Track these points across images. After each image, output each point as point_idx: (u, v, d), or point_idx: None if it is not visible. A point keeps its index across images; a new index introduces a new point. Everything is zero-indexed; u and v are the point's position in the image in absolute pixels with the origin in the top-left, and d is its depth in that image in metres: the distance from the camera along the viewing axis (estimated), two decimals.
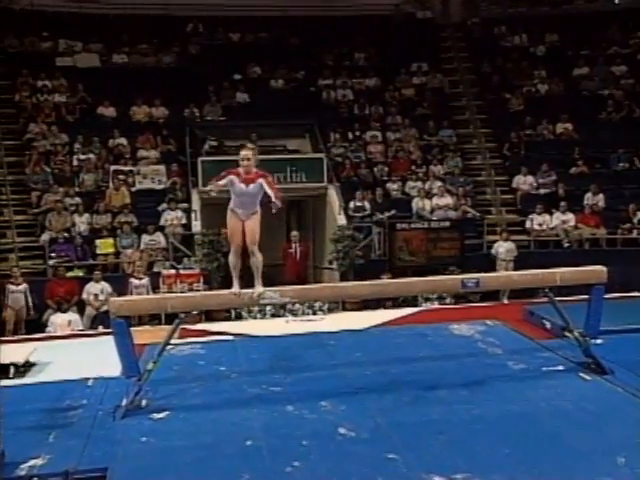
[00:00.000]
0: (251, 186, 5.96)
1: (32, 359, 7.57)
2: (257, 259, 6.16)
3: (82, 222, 12.59)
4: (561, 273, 6.34)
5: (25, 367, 7.38)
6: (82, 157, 13.94)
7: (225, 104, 15.64)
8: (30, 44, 16.24)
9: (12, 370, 7.14)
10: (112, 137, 14.49)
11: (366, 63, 17.16)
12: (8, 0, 16.49)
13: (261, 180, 6.00)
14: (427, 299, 11.55)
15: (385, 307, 10.41)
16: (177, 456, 5.05)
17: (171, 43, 16.86)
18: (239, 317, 10.31)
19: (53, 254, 11.94)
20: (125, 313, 5.90)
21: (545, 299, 6.86)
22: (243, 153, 5.99)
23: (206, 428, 5.51)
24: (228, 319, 10.35)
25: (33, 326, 10.38)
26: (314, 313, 10.18)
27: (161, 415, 5.79)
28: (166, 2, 17.24)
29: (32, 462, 5.06)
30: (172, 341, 6.77)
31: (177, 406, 5.96)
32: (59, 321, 10.25)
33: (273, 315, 10.19)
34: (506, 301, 10.76)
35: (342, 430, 5.36)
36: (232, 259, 6.20)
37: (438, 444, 5.11)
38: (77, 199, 12.99)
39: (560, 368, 6.56)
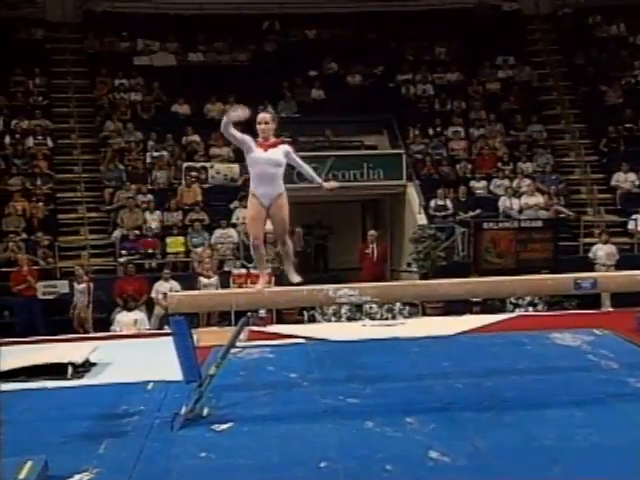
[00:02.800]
0: (271, 151, 5.10)
1: (92, 359, 7.05)
2: (289, 247, 5.30)
3: (153, 219, 12.28)
4: None
5: (84, 367, 6.86)
6: (155, 154, 13.69)
7: (300, 100, 15.16)
8: (109, 44, 16.21)
9: (70, 370, 6.61)
10: (185, 134, 14.17)
11: (447, 57, 16.33)
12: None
13: (285, 147, 5.18)
14: (516, 305, 10.45)
15: (472, 312, 9.38)
16: (239, 477, 4.28)
17: (247, 41, 16.48)
18: (312, 320, 9.54)
19: (124, 251, 11.68)
20: (185, 309, 5.20)
21: None
22: (261, 116, 5.15)
23: (274, 444, 4.74)
24: (300, 322, 9.60)
25: (98, 324, 9.94)
26: (393, 317, 9.29)
27: (224, 427, 5.05)
28: (242, 1, 16.88)
29: (78, 477, 4.40)
30: (239, 344, 6.09)
31: (242, 417, 5.22)
32: (125, 320, 9.84)
33: (349, 318, 9.37)
34: (610, 308, 9.54)
35: (433, 454, 4.45)
36: (256, 254, 5.25)
37: (553, 477, 4.12)
38: (149, 196, 12.71)
39: None
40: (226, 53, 16.28)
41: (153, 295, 10.58)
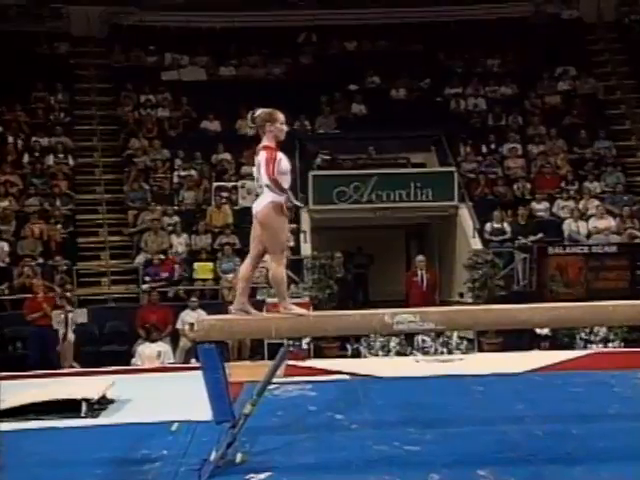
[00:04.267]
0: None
1: (110, 395, 6.70)
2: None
3: (180, 243, 12.09)
4: None
5: (101, 404, 6.51)
6: (183, 173, 13.59)
7: (339, 116, 15.01)
8: (136, 59, 16.30)
9: (84, 407, 6.21)
10: (216, 152, 13.99)
11: (501, 69, 16.05)
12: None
13: None
14: (588, 341, 9.79)
15: (540, 348, 8.76)
16: None
17: (282, 54, 16.45)
18: (357, 354, 9.03)
19: (147, 277, 11.47)
20: (216, 336, 4.76)
21: None
22: (283, 116, 4.75)
23: None
24: (342, 357, 9.09)
25: (115, 357, 9.60)
26: (449, 352, 8.73)
27: (260, 477, 4.57)
28: (277, 13, 16.82)
29: None
30: (275, 380, 5.58)
31: (281, 465, 4.72)
32: (147, 352, 9.54)
33: (398, 353, 8.84)
34: None
35: None
36: (283, 273, 4.83)
37: None
38: (175, 218, 12.56)
39: None
40: (260, 67, 16.23)
41: (179, 326, 10.30)
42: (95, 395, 6.40)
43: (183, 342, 10.15)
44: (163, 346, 9.75)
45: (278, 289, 4.91)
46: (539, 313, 4.73)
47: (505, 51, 16.10)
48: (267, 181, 4.64)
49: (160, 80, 15.64)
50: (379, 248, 15.59)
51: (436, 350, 8.82)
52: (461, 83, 15.49)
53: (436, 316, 4.81)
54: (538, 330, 9.09)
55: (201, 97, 15.03)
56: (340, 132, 14.55)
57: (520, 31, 16.19)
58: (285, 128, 4.77)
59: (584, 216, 12.26)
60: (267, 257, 4.96)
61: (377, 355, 8.92)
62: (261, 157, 4.68)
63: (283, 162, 4.68)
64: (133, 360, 9.58)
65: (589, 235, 11.94)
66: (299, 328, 4.79)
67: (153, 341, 9.73)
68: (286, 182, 4.71)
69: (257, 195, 4.85)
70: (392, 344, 8.79)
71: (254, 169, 4.85)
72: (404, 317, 4.77)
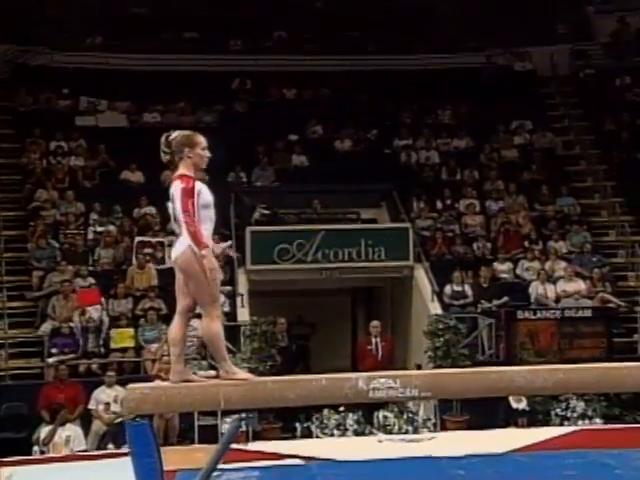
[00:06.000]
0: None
1: None
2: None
3: (95, 309, 11.43)
4: None
5: None
6: (99, 229, 13.19)
7: (279, 167, 14.90)
8: (45, 102, 15.88)
9: None
10: (138, 206, 13.56)
11: (453, 121, 16.28)
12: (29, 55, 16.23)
13: None
14: (564, 417, 9.53)
15: (517, 425, 8.41)
16: None
17: (213, 100, 16.34)
18: (307, 434, 8.46)
19: (54, 350, 10.86)
20: (150, 409, 4.19)
21: None
22: (204, 139, 4.58)
23: None
24: (288, 439, 8.50)
25: (12, 445, 8.84)
26: (415, 430, 8.24)
27: None
28: (208, 57, 16.84)
29: None
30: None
31: None
32: (54, 438, 8.68)
33: (356, 432, 8.31)
34: None
35: None
36: (219, 328, 4.45)
37: None
38: (90, 279, 12.06)
39: None
40: (188, 114, 16.07)
41: (92, 406, 9.79)
42: None
43: (97, 425, 9.61)
44: (72, 430, 9.09)
45: (215, 348, 4.48)
46: (541, 376, 4.34)
47: (457, 102, 16.40)
48: (182, 217, 4.37)
49: (74, 126, 15.36)
50: (322, 316, 15.26)
51: (400, 428, 8.34)
52: (411, 134, 15.64)
53: (420, 381, 4.37)
54: (514, 404, 8.77)
55: (121, 145, 14.75)
56: (280, 185, 14.41)
57: (472, 82, 16.56)
58: (207, 154, 4.55)
59: (551, 278, 12.25)
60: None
61: (332, 435, 8.39)
62: (175, 188, 4.42)
63: (204, 194, 4.42)
64: (35, 448, 8.89)
65: (558, 299, 11.89)
66: (255, 397, 4.26)
67: (60, 425, 9.01)
68: (209, 219, 4.46)
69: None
70: (349, 422, 8.27)
71: (168, 204, 4.58)
72: (382, 382, 4.34)
